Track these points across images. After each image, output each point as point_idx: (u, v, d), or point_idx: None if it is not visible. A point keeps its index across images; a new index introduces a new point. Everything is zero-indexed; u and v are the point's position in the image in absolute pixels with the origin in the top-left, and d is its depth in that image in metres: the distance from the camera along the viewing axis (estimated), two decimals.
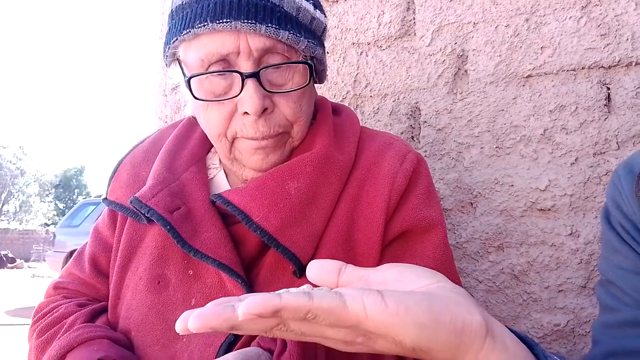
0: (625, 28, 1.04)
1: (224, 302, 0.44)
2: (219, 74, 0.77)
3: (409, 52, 1.27)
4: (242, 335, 0.74)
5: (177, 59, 0.82)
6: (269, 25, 0.75)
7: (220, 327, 0.41)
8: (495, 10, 1.17)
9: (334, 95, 1.36)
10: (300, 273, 0.77)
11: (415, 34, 1.26)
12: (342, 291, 0.42)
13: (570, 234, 1.08)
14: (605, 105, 1.06)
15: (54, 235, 8.94)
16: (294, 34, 0.77)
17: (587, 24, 1.07)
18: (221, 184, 0.91)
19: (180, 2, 0.79)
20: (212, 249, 0.78)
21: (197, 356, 0.76)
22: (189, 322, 0.41)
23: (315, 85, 0.90)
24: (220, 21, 0.74)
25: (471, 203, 1.18)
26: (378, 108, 1.30)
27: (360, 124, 0.94)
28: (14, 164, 43.54)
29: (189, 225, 0.81)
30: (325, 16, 0.87)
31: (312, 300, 0.41)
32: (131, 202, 0.83)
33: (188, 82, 0.78)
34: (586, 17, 1.07)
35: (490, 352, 0.44)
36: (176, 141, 0.94)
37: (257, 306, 0.40)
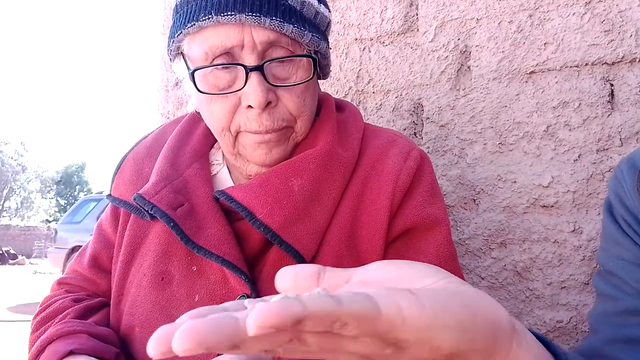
0: (629, 24, 1.04)
1: (216, 312, 0.34)
2: (223, 67, 0.78)
3: (411, 48, 1.26)
4: None
5: (181, 52, 0.82)
6: (274, 18, 0.75)
7: (219, 346, 0.30)
8: (498, 6, 1.16)
9: (337, 91, 1.35)
10: None
11: (418, 29, 1.26)
12: (369, 292, 0.34)
13: (573, 230, 1.08)
14: (608, 101, 1.06)
15: (56, 232, 8.96)
16: (298, 28, 0.77)
17: (590, 20, 1.07)
18: (224, 180, 0.91)
19: None
20: (215, 246, 0.78)
21: None
22: (175, 340, 0.30)
23: (319, 81, 0.90)
24: (225, 14, 0.74)
25: (474, 199, 1.18)
26: (381, 104, 1.30)
27: (364, 120, 0.94)
28: (15, 160, 43.62)
29: (193, 221, 0.81)
30: (329, 11, 0.87)
31: (341, 306, 0.31)
32: (135, 199, 0.84)
33: (192, 75, 0.79)
34: (590, 13, 1.07)
35: (518, 352, 0.40)
36: (179, 137, 0.94)
37: (274, 316, 0.29)
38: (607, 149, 1.06)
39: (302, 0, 0.79)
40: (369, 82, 1.32)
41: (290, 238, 0.77)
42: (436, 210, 0.83)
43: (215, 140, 0.93)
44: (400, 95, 1.27)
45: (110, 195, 0.92)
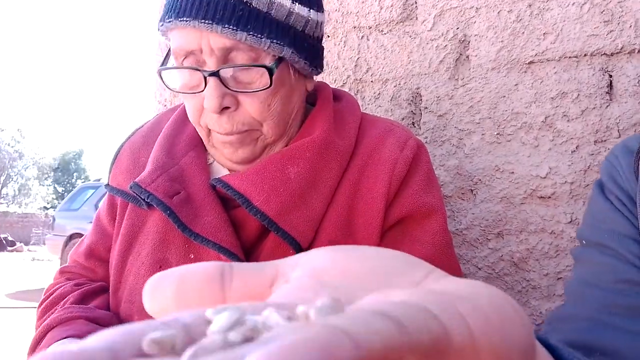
0: (628, 15, 1.03)
1: (171, 327, 0.20)
2: (188, 69, 0.79)
3: (410, 36, 1.26)
4: None
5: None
6: (226, 26, 0.74)
7: None
8: None
9: (335, 80, 1.35)
10: None
11: (417, 18, 1.25)
12: (430, 309, 0.21)
13: (570, 221, 1.08)
14: (607, 92, 1.06)
15: (54, 219, 8.95)
16: (254, 35, 0.75)
17: (590, 11, 1.06)
18: (220, 168, 0.91)
19: None
20: (212, 233, 0.78)
21: None
22: None
23: (316, 70, 0.89)
24: (182, 19, 0.75)
25: (471, 190, 1.18)
26: (379, 93, 1.30)
27: (361, 110, 0.94)
28: (12, 147, 43.52)
29: (189, 209, 0.81)
30: (314, 8, 0.84)
31: (406, 335, 0.19)
32: (131, 188, 0.84)
33: (159, 73, 0.81)
34: (589, 4, 1.06)
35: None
36: (175, 126, 0.94)
37: None
38: (605, 140, 1.05)
39: (270, 2, 0.77)
40: (367, 71, 1.31)
41: (287, 225, 0.77)
42: (432, 199, 0.84)
43: None
44: (399, 84, 1.27)
45: (108, 185, 0.93)
